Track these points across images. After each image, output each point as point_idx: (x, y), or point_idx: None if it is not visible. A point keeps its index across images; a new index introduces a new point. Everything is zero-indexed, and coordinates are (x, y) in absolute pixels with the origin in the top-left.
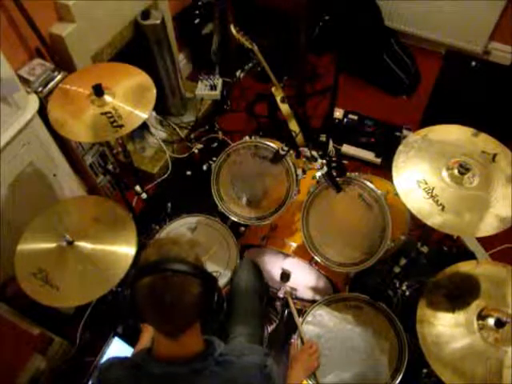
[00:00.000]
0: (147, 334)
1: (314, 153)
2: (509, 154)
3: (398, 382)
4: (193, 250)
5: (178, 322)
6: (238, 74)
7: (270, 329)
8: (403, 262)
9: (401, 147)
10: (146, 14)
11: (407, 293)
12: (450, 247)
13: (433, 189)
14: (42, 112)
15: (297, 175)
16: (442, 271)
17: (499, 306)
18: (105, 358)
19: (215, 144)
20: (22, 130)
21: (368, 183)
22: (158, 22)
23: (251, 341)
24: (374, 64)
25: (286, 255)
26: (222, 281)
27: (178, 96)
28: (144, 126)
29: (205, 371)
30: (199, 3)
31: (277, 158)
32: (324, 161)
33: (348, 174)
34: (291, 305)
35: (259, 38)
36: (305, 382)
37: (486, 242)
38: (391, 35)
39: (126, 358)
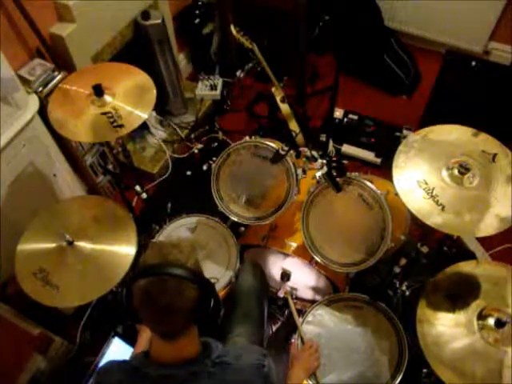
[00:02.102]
0: (145, 336)
1: (314, 153)
2: (509, 153)
3: (398, 381)
4: (193, 254)
5: (173, 325)
6: (238, 73)
7: (274, 328)
8: (403, 261)
9: (401, 147)
10: (146, 14)
11: (407, 293)
12: (450, 247)
13: (433, 189)
14: (42, 112)
15: (297, 175)
16: (441, 271)
17: (499, 306)
18: (105, 358)
19: (215, 144)
20: (22, 130)
21: (368, 183)
22: (158, 21)
23: (251, 341)
24: (374, 64)
25: (286, 255)
26: (223, 281)
27: (179, 96)
28: (144, 126)
29: (202, 373)
30: (199, 3)
31: (277, 157)
32: (324, 161)
33: (348, 173)
34: (291, 305)
35: (259, 38)
36: (305, 381)
37: (486, 242)
38: (391, 35)
39: (123, 361)
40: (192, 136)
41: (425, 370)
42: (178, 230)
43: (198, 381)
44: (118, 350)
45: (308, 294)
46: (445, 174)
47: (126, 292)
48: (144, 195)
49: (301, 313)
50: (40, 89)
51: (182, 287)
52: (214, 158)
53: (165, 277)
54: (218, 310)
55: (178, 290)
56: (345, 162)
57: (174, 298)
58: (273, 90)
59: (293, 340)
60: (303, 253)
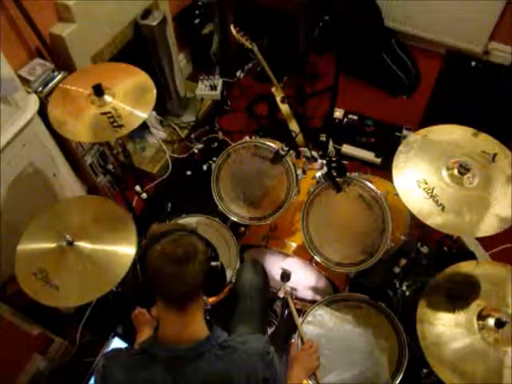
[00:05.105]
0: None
1: (314, 153)
2: (509, 154)
3: (398, 382)
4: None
5: (188, 283)
6: (238, 74)
7: (269, 331)
8: (403, 262)
9: (401, 147)
10: (146, 14)
11: (407, 293)
12: (450, 247)
13: (433, 189)
14: (42, 112)
15: (297, 175)
16: (442, 271)
17: (499, 305)
18: None
19: (215, 144)
20: (21, 130)
21: (368, 183)
22: (158, 22)
23: None
24: (374, 64)
25: (286, 255)
26: None
27: (178, 96)
28: (144, 126)
29: (209, 354)
30: (199, 3)
31: (277, 158)
32: (324, 161)
33: (348, 173)
34: (291, 305)
35: (259, 38)
36: (305, 381)
37: (486, 242)
38: (391, 35)
39: (130, 347)
40: (192, 136)
41: (425, 370)
42: None
43: (205, 361)
44: None
45: (308, 294)
46: (445, 174)
47: (139, 259)
48: (144, 195)
49: (301, 313)
50: (40, 89)
51: (194, 242)
52: (214, 158)
53: (176, 235)
54: (223, 274)
55: (192, 243)
56: (345, 162)
57: (188, 249)
58: (273, 90)
59: (293, 340)
60: (303, 253)
